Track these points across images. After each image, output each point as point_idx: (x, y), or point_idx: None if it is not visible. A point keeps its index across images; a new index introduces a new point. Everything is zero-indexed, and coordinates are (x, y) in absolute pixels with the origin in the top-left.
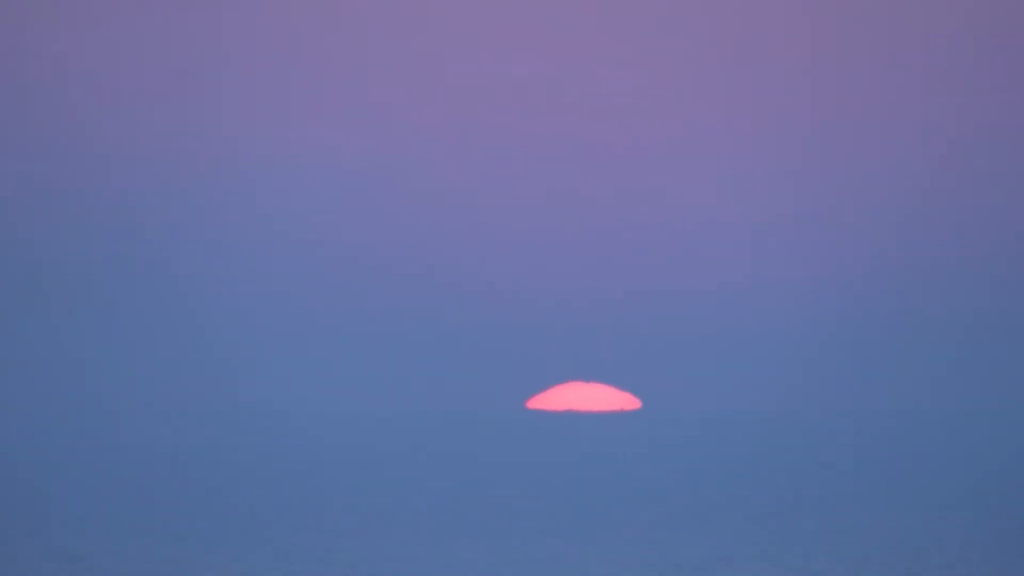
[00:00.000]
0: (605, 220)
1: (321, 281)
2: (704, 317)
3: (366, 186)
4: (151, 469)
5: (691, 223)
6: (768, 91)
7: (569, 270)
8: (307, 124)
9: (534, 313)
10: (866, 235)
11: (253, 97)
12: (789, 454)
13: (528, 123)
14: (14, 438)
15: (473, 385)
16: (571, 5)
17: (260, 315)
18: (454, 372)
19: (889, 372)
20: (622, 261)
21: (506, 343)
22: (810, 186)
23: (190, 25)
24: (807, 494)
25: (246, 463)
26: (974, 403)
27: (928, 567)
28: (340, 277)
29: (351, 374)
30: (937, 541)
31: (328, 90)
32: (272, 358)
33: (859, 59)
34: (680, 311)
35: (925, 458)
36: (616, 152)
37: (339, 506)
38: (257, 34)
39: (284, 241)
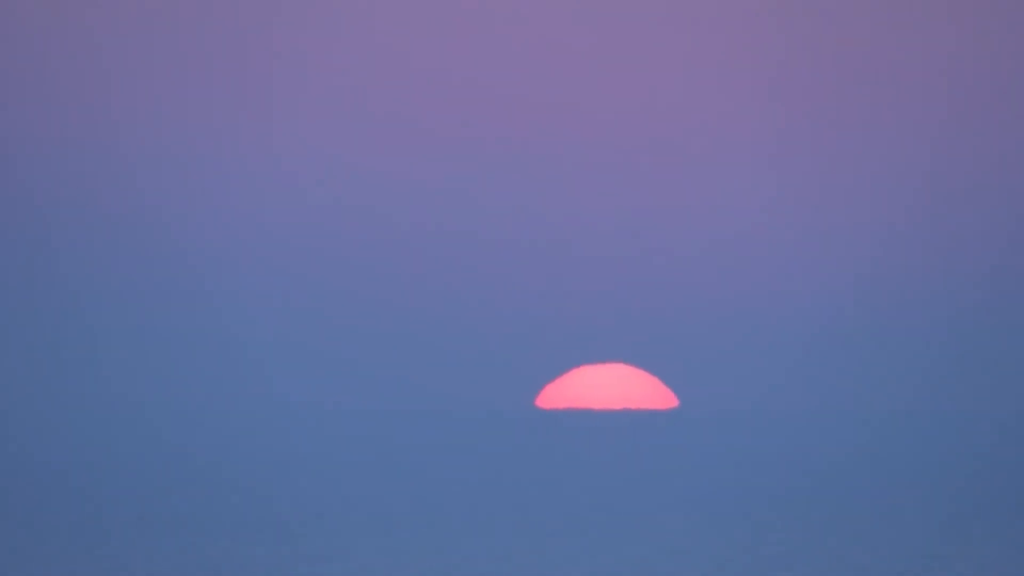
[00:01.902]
0: (624, 213)
1: (324, 277)
2: (730, 312)
3: (375, 181)
4: (154, 468)
5: (718, 210)
6: (781, 94)
7: (579, 267)
8: (313, 121)
9: (536, 311)
10: (903, 234)
11: (258, 94)
12: (834, 455)
13: (539, 118)
14: (15, 438)
15: (488, 382)
16: (575, 5)
17: (262, 313)
18: (468, 368)
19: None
20: (633, 257)
21: (517, 339)
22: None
23: (184, 21)
24: (842, 498)
25: (247, 462)
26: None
27: (939, 568)
28: (344, 272)
29: (358, 370)
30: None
31: (341, 86)
32: (273, 356)
33: (866, 61)
34: (704, 305)
35: (960, 461)
36: (630, 148)
37: (340, 504)
38: (256, 31)
39: (288, 237)
